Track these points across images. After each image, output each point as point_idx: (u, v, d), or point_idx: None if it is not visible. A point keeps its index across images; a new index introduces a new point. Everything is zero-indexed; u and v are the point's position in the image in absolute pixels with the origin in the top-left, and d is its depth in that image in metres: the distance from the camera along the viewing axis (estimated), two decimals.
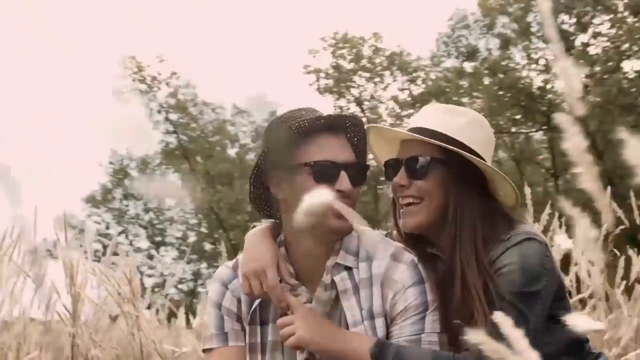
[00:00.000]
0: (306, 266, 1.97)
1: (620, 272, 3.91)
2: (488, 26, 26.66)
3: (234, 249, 29.14)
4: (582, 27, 24.28)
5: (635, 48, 22.16)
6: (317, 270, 1.95)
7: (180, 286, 29.36)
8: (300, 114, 1.93)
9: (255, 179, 1.95)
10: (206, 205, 28.78)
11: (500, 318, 1.75)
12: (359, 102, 28.48)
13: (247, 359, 2.00)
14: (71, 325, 3.48)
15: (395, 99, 28.13)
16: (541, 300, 1.88)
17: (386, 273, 1.93)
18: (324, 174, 1.87)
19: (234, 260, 2.10)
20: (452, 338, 1.91)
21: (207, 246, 32.27)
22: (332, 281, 1.94)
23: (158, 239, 32.81)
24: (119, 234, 31.01)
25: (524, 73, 26.18)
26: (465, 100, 26.37)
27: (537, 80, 26.13)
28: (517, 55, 26.55)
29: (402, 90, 28.17)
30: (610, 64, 22.16)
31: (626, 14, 21.95)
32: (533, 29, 25.69)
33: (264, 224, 2.08)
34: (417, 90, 28.00)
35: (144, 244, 32.27)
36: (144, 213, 33.04)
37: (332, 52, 28.48)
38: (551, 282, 1.93)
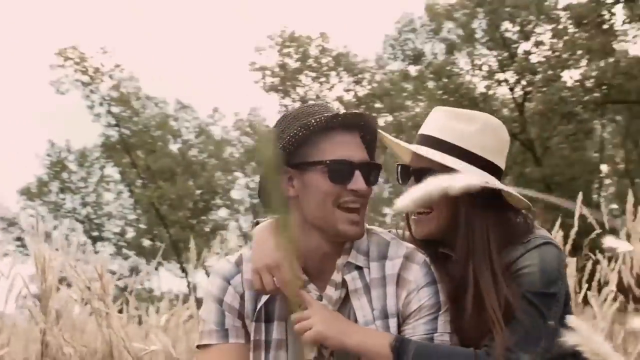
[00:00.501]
0: (313, 264, 1.93)
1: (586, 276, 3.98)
2: (434, 31, 26.95)
3: (174, 246, 28.90)
4: (525, 36, 24.78)
5: (575, 58, 22.64)
6: (325, 269, 1.93)
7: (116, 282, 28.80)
8: (314, 110, 1.91)
9: None
10: (147, 200, 28.42)
11: (522, 317, 1.79)
12: (304, 101, 28.50)
13: (251, 357, 1.94)
14: (43, 322, 3.36)
15: (340, 99, 28.25)
16: (557, 303, 1.90)
17: (400, 273, 1.92)
18: (339, 172, 1.84)
19: (237, 255, 2.04)
20: (464, 340, 1.91)
21: (146, 242, 31.89)
22: (343, 280, 1.92)
23: (95, 233, 32.14)
24: (54, 228, 30.30)
25: (468, 78, 26.51)
26: (409, 103, 26.74)
27: (480, 86, 26.53)
28: (462, 60, 26.94)
29: (347, 91, 28.38)
30: (550, 72, 22.58)
31: (568, 24, 22.37)
32: (477, 36, 26.13)
33: (269, 219, 2.05)
34: (362, 91, 28.11)
35: (80, 238, 31.49)
36: (81, 207, 32.40)
37: (278, 51, 28.52)
38: (564, 286, 1.96)
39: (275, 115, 33.86)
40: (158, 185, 28.37)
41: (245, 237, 33.69)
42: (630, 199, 3.75)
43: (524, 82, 25.34)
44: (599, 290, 3.93)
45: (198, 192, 31.20)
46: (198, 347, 2.01)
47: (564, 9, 22.25)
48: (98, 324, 3.66)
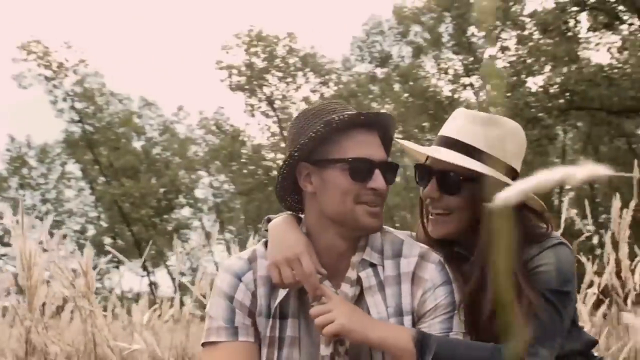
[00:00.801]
0: (329, 261, 1.93)
1: None
2: (402, 34, 27.28)
3: (137, 244, 28.62)
4: (491, 41, 24.81)
5: (539, 64, 22.91)
6: (339, 266, 1.93)
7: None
8: (334, 108, 1.92)
9: (286, 168, 1.90)
10: (109, 198, 28.09)
11: (540, 314, 1.83)
12: (270, 101, 28.50)
13: (264, 353, 1.91)
14: (29, 320, 3.28)
15: (306, 100, 28.26)
16: (571, 302, 1.94)
17: (415, 271, 1.92)
18: (359, 171, 1.85)
19: (249, 251, 2.02)
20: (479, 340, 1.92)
21: (107, 240, 31.50)
22: (358, 277, 1.91)
23: (55, 230, 31.52)
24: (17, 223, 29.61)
25: (434, 82, 26.97)
26: (375, 105, 26.87)
27: (446, 90, 27.04)
28: (428, 64, 27.34)
29: (314, 91, 28.38)
30: (514, 78, 22.65)
31: (533, 30, 22.65)
32: (444, 40, 26.55)
33: (284, 215, 2.05)
34: (328, 92, 28.18)
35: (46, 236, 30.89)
36: (41, 204, 31.87)
37: (245, 50, 28.42)
38: (575, 287, 1.99)
39: (241, 114, 33.74)
40: (121, 182, 28.04)
41: (208, 236, 34.16)
42: (617, 203, 3.79)
43: (488, 87, 25.59)
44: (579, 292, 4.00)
45: (161, 190, 30.91)
46: (204, 344, 1.96)
47: (530, 15, 22.56)
48: (82, 321, 3.58)
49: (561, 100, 21.48)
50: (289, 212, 2.06)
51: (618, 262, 3.84)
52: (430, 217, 2.07)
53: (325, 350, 1.89)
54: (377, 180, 1.86)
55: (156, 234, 30.02)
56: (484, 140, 2.00)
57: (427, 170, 2.06)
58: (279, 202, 2.04)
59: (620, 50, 22.37)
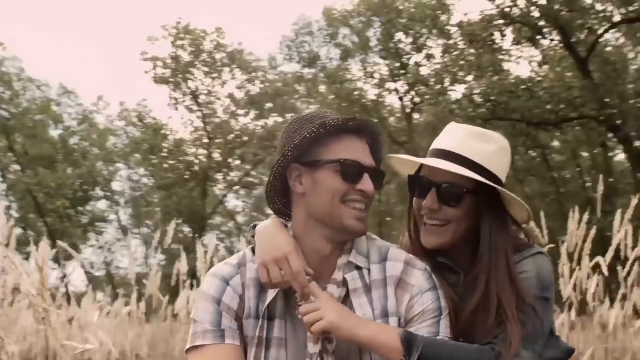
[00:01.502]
0: (315, 263, 1.97)
1: None
2: (331, 36, 27.38)
3: (51, 236, 27.63)
4: (418, 48, 25.52)
5: (463, 73, 23.02)
6: (325, 269, 1.98)
7: None
8: (327, 115, 2.00)
9: (279, 168, 1.97)
10: (23, 187, 27.04)
11: (523, 318, 1.91)
12: (195, 95, 28.14)
13: (252, 353, 1.93)
14: None
15: (232, 97, 28.04)
16: (550, 308, 2.05)
17: (402, 277, 1.98)
18: (351, 173, 1.93)
19: (238, 256, 2.06)
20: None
21: (18, 231, 30.34)
22: (344, 279, 1.97)
23: None
24: None
25: (360, 85, 27.10)
26: (300, 105, 26.97)
27: (371, 94, 27.21)
28: (355, 67, 27.51)
29: (240, 88, 28.17)
30: (438, 87, 23.00)
31: (459, 40, 22.79)
32: (372, 44, 26.75)
33: (271, 219, 2.10)
34: (255, 90, 28.10)
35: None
36: None
37: (172, 42, 27.93)
38: (554, 295, 2.10)
39: (164, 107, 32.92)
40: (36, 172, 27.06)
41: (124, 230, 33.26)
42: (576, 215, 3.88)
43: (412, 93, 26.07)
44: None
45: (78, 181, 30.05)
46: (188, 350, 1.95)
47: (457, 25, 22.69)
48: (36, 320, 3.43)
49: (483, 110, 21.56)
50: (274, 217, 2.11)
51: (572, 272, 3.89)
52: (423, 227, 2.13)
53: (313, 349, 1.91)
54: (366, 183, 1.94)
55: (71, 226, 29.49)
56: (482, 155, 2.09)
57: (424, 182, 2.12)
58: (268, 203, 2.09)
59: (541, 64, 23.08)
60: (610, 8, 19.32)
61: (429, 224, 2.10)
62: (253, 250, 2.02)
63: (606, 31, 20.09)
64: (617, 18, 19.57)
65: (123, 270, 30.58)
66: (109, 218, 32.60)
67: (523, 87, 21.03)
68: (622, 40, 22.79)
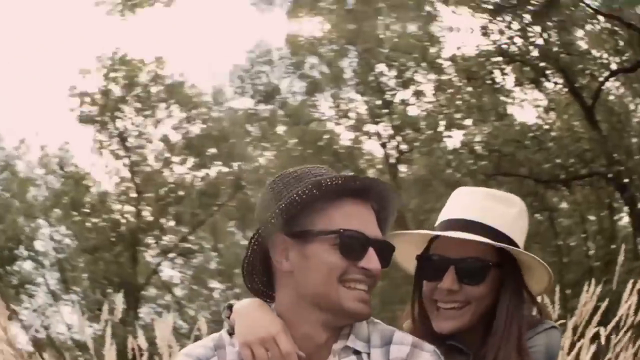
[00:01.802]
0: (305, 351, 1.76)
1: None
2: (295, 65, 23.58)
3: None
4: (404, 83, 21.98)
5: (459, 115, 20.57)
6: (317, 354, 1.78)
7: None
8: (321, 172, 1.78)
9: (257, 240, 1.76)
10: None
11: None
12: (122, 137, 24.15)
13: None
14: None
15: (166, 139, 24.11)
16: None
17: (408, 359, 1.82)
18: (351, 246, 1.70)
19: (213, 337, 1.86)
20: None
21: None
22: None
23: None
24: None
25: (330, 126, 23.60)
26: (251, 150, 23.55)
27: (345, 138, 23.73)
28: (325, 104, 23.76)
29: (176, 129, 24.26)
30: (431, 132, 20.64)
31: (453, 76, 20.12)
32: (346, 76, 23.09)
33: (250, 299, 1.88)
34: (193, 131, 24.29)
35: None
36: None
37: (104, 75, 23.97)
38: None
39: (87, 152, 29.17)
40: None
41: (53, 295, 30.56)
42: (592, 288, 4.61)
43: (398, 139, 22.68)
44: None
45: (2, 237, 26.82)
46: None
47: (450, 59, 19.83)
48: None
49: (486, 162, 19.28)
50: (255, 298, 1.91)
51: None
52: (436, 312, 2.03)
53: None
54: (371, 259, 1.73)
55: (3, 286, 26.05)
56: (503, 220, 2.04)
57: (438, 260, 2.03)
58: (245, 282, 1.89)
59: (547, 109, 20.88)
60: (605, 55, 17.97)
61: (444, 307, 2.00)
62: (230, 333, 1.83)
63: (606, 79, 18.33)
64: (613, 66, 18.06)
65: (62, 335, 26.34)
66: (36, 281, 28.73)
67: (530, 134, 19.10)
68: (622, 89, 20.59)
